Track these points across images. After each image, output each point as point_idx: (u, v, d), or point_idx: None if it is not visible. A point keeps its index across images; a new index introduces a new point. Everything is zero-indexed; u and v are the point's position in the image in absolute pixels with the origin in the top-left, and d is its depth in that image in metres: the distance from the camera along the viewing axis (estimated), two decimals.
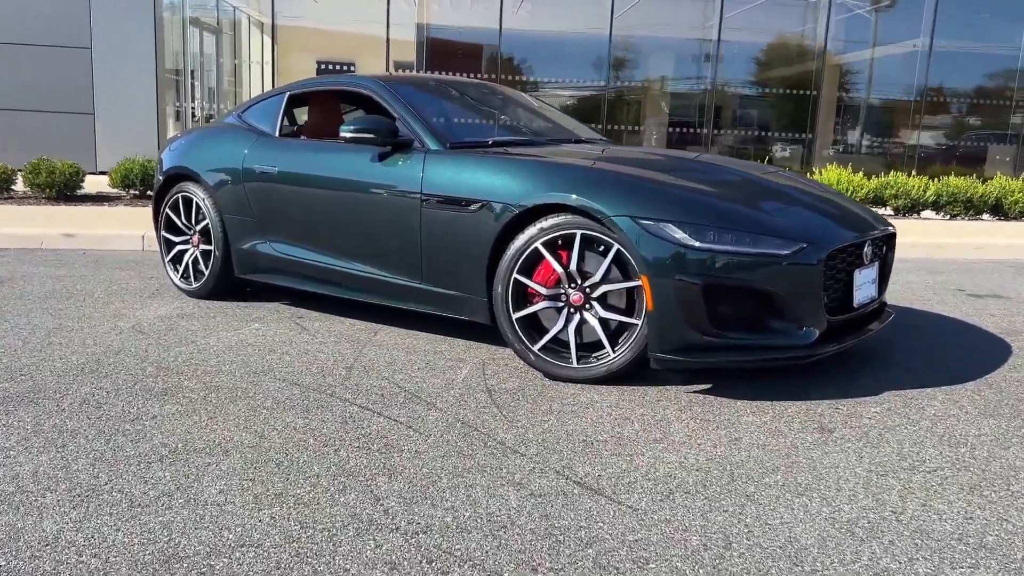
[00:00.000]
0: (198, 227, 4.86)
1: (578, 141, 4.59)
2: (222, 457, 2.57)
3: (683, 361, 3.15)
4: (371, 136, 3.87)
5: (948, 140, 15.00)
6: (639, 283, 3.20)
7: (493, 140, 4.13)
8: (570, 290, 3.36)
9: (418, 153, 3.84)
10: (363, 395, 3.18)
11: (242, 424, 2.85)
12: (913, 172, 10.72)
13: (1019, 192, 9.51)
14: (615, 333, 3.33)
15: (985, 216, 9.88)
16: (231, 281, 4.81)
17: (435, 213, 3.69)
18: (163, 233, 5.06)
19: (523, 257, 3.39)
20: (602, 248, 3.29)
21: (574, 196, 3.26)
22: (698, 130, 14.61)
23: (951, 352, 4.01)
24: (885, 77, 15.13)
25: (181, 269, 4.99)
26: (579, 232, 3.28)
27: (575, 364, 3.35)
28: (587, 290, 3.33)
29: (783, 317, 3.15)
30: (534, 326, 3.47)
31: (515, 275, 3.41)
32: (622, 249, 3.22)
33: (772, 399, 3.22)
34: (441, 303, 3.81)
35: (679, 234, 3.09)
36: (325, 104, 5.03)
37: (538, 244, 3.35)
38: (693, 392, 3.30)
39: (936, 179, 10.00)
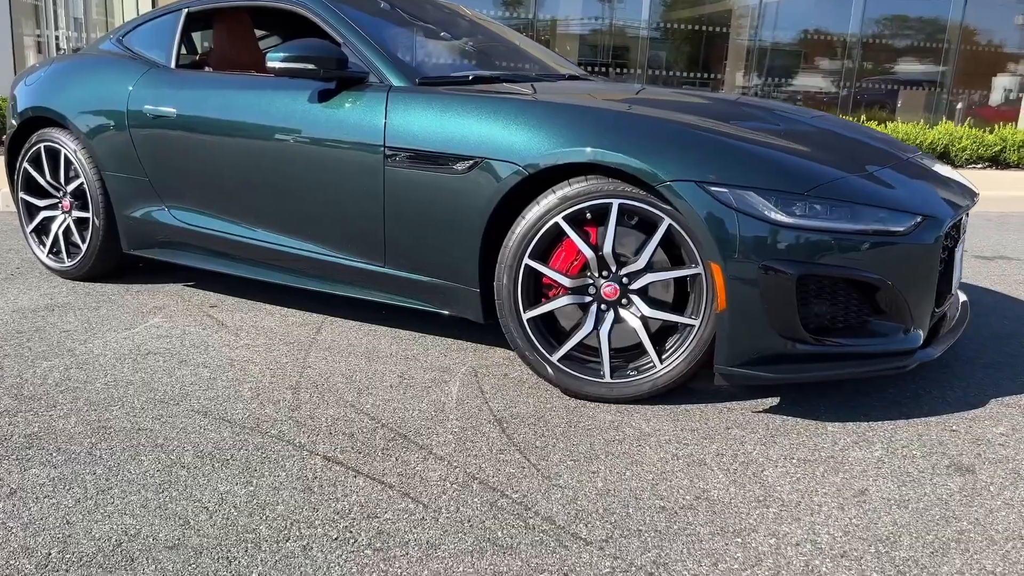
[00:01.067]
0: (69, 188, 3.70)
1: (572, 78, 3.66)
2: None
3: (763, 376, 2.35)
4: (310, 67, 2.83)
5: (859, 84, 14.66)
6: (697, 271, 2.37)
7: (474, 75, 3.16)
8: (601, 280, 2.49)
9: (376, 91, 2.85)
10: (324, 435, 2.25)
11: (150, 503, 1.88)
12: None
13: (966, 139, 9.18)
14: (655, 337, 2.50)
15: None
16: (117, 258, 3.70)
17: (405, 174, 2.73)
18: (22, 195, 3.87)
19: (538, 236, 2.49)
20: (636, 222, 2.44)
21: (614, 154, 2.37)
22: (602, 71, 13.74)
23: (1010, 327, 3.38)
24: (787, 20, 14.53)
25: (49, 242, 3.83)
26: (616, 203, 2.41)
27: (608, 379, 2.51)
28: (624, 280, 2.47)
29: (888, 314, 2.39)
30: (548, 326, 2.59)
31: (527, 260, 2.51)
32: (676, 226, 2.37)
33: (857, 417, 2.48)
34: (412, 293, 2.88)
35: (767, 207, 2.26)
36: (237, 26, 3.90)
37: (558, 218, 2.46)
38: (759, 412, 2.52)
39: (882, 124, 9.56)
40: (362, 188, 2.83)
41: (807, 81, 14.15)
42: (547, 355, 2.54)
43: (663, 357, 2.49)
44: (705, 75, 13.46)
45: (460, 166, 2.61)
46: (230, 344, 2.98)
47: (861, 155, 2.67)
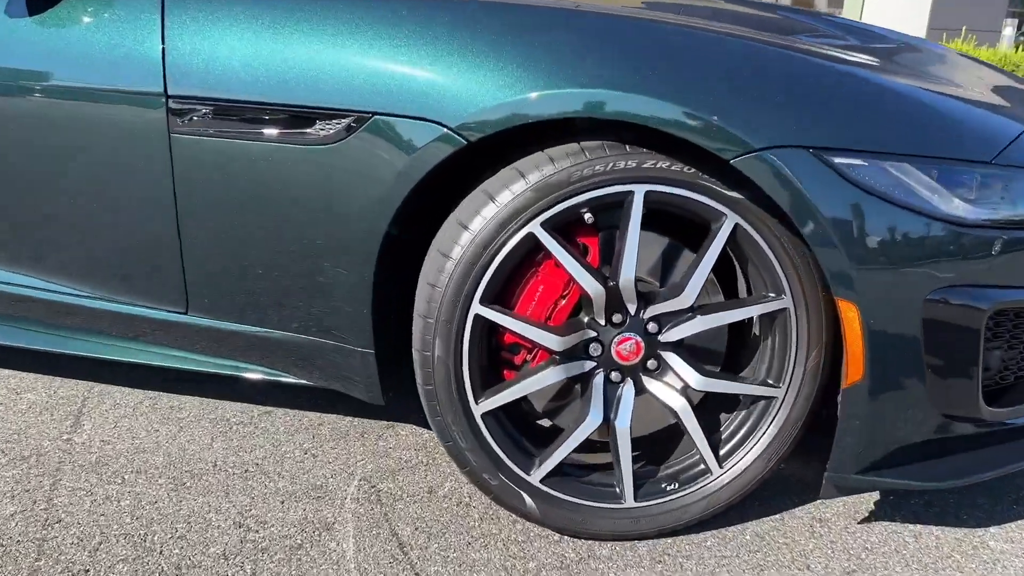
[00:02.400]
0: None
1: None
2: None
3: (910, 483, 1.35)
4: None
5: None
6: (782, 306, 1.32)
7: None
8: (611, 331, 1.36)
9: None
10: None
11: None
12: None
13: None
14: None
15: None
16: None
17: (211, 147, 1.43)
18: None
19: (496, 262, 1.30)
20: (658, 224, 1.34)
21: (646, 99, 1.22)
22: None
23: None
24: None
25: None
26: (641, 191, 1.28)
27: (632, 502, 1.41)
28: (651, 328, 1.36)
29: None
30: (516, 416, 1.44)
31: (477, 308, 1.32)
32: (748, 229, 1.29)
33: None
34: (244, 354, 1.62)
35: (933, 191, 1.22)
36: None
37: (534, 226, 1.28)
38: (857, 524, 1.54)
39: None
40: (130, 175, 1.49)
41: None
42: (522, 474, 1.39)
43: (721, 454, 1.42)
44: None
45: (326, 129, 1.35)
46: None
47: (994, 88, 1.68)
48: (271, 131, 1.38)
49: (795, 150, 1.20)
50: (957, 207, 1.22)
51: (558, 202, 1.28)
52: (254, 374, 1.65)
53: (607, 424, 1.39)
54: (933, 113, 1.29)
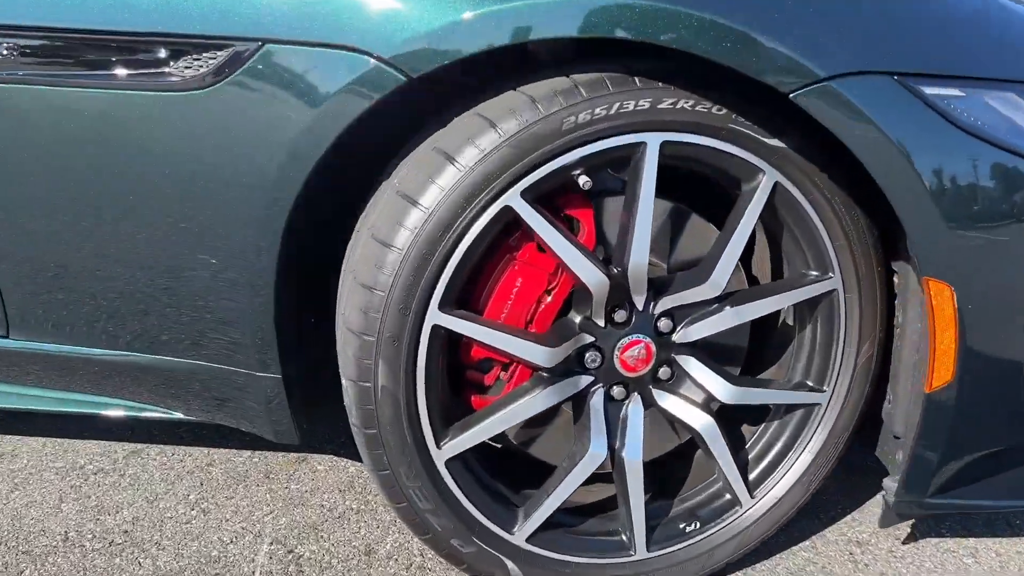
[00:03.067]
0: None
1: None
2: None
3: (984, 505, 1.08)
4: None
5: None
6: (830, 287, 1.01)
7: None
8: (612, 333, 1.01)
9: None
10: None
11: None
12: None
13: None
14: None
15: None
16: None
17: (16, 100, 0.97)
18: None
19: (461, 250, 0.91)
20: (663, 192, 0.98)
21: (689, 17, 0.84)
22: None
23: None
24: None
25: None
26: (656, 141, 0.92)
27: (644, 552, 1.08)
28: (663, 326, 1.02)
29: None
30: (484, 457, 1.07)
31: (435, 314, 0.93)
32: (790, 189, 0.96)
33: None
34: (95, 385, 1.17)
35: None
36: None
37: (510, 197, 0.90)
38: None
39: None
40: None
41: None
42: (503, 534, 1.03)
43: (751, 480, 1.11)
44: None
45: (195, 67, 0.92)
46: None
47: None
48: (113, 73, 0.93)
49: (875, 77, 0.86)
50: None
51: (544, 161, 0.90)
52: (113, 411, 1.21)
53: (611, 455, 1.05)
54: None
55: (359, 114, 0.89)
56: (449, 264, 0.91)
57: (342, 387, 1.00)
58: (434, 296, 0.91)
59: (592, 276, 0.95)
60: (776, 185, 0.97)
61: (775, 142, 0.95)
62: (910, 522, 1.28)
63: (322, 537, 1.22)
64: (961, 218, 0.90)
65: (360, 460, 1.28)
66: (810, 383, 1.09)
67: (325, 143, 0.91)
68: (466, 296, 0.98)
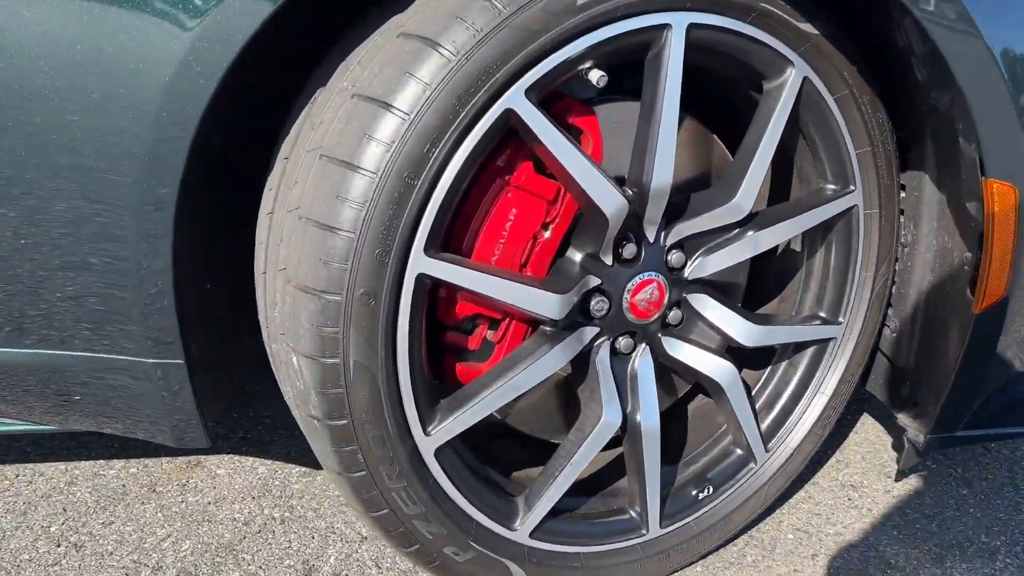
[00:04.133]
0: None
1: None
2: None
3: (1008, 433, 0.99)
4: None
5: None
6: (851, 202, 0.89)
7: None
8: (620, 273, 0.82)
9: None
10: None
11: None
12: None
13: None
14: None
15: None
16: None
17: None
18: None
19: (451, 170, 0.68)
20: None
21: None
22: None
23: None
24: None
25: None
26: (683, 25, 0.73)
27: (658, 530, 0.91)
28: (675, 258, 0.85)
29: None
30: (470, 439, 0.85)
31: (420, 259, 0.69)
32: (819, 85, 0.81)
33: None
34: None
35: None
36: None
37: (512, 97, 0.68)
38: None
39: None
40: None
41: None
42: (503, 532, 0.82)
43: (763, 431, 0.97)
44: None
45: None
46: None
47: None
48: None
49: None
50: None
51: (553, 49, 0.69)
52: None
53: (633, 423, 0.87)
54: None
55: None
56: (437, 190, 0.68)
57: (281, 372, 0.75)
58: (418, 235, 0.68)
59: (611, 200, 0.75)
60: (804, 81, 0.82)
61: (808, 27, 0.79)
62: (893, 457, 1.20)
63: (244, 560, 0.96)
64: None
65: (270, 457, 1.04)
66: (823, 315, 0.95)
67: (238, 42, 0.64)
68: (451, 239, 0.75)
